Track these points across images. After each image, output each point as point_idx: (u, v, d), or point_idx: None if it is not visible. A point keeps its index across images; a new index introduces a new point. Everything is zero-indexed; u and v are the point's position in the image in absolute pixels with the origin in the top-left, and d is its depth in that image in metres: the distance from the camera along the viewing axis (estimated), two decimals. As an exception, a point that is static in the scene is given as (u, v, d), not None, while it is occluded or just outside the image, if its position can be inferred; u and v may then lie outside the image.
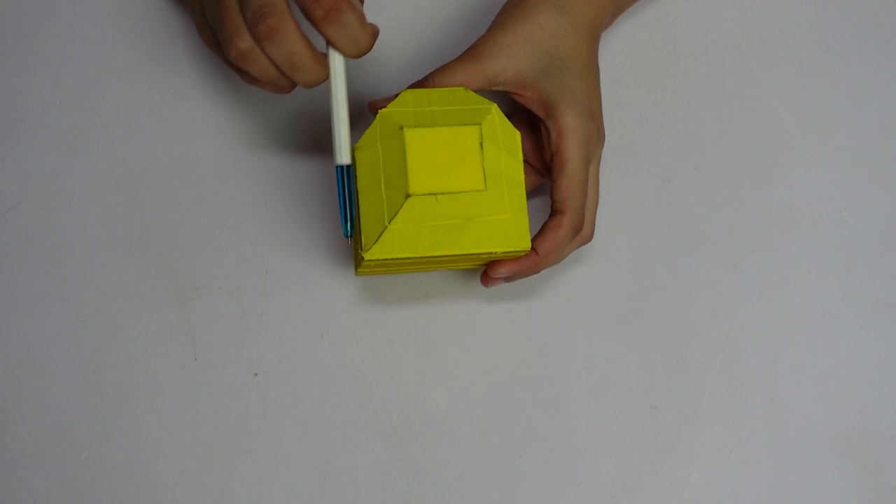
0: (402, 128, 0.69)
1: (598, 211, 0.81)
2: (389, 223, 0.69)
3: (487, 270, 0.74)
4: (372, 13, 0.85)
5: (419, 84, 0.73)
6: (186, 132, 0.83)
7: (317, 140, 0.83)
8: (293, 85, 0.70)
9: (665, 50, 0.85)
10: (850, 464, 0.77)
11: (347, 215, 0.71)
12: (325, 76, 0.68)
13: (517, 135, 0.72)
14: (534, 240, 0.74)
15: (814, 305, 0.80)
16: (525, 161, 0.79)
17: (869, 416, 0.78)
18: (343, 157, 0.69)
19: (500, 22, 0.75)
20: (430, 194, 0.68)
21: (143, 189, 0.82)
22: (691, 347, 0.79)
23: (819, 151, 0.83)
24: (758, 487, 0.77)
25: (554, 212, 0.73)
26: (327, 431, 0.78)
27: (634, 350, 0.79)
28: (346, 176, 0.70)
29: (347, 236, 0.71)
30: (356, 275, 0.78)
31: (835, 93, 0.84)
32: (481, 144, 0.69)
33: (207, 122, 0.83)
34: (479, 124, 0.70)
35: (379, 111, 0.70)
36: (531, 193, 0.81)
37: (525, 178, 0.78)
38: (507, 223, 0.70)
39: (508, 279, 0.75)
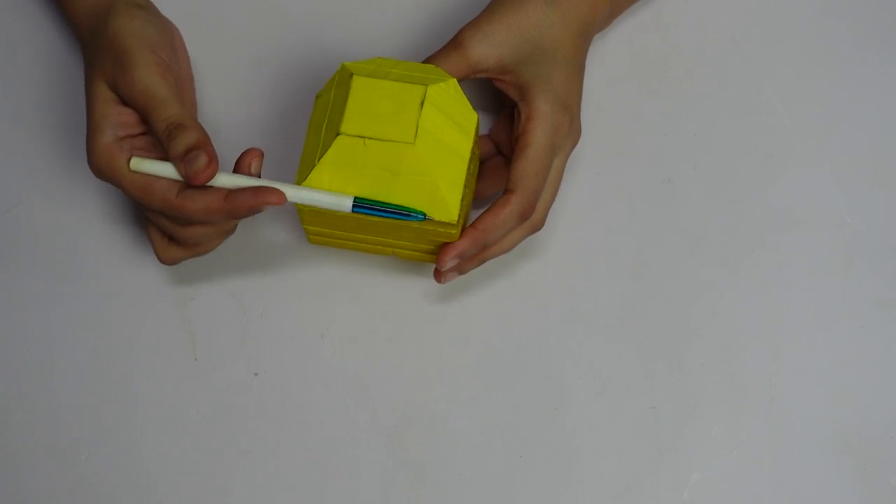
0: (352, 75, 0.71)
1: (597, 210, 0.81)
2: (318, 161, 0.70)
3: (437, 262, 0.73)
4: (373, 13, 0.86)
5: None
6: (186, 132, 0.83)
7: (317, 140, 0.83)
8: (232, 225, 0.74)
9: (665, 50, 0.85)
10: (850, 464, 0.77)
11: (404, 213, 0.70)
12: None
13: (474, 116, 0.72)
14: (477, 216, 0.73)
15: (814, 305, 0.80)
16: (502, 155, 0.79)
17: (869, 416, 0.78)
18: (345, 204, 0.70)
19: (488, 10, 0.75)
20: (358, 136, 0.70)
21: (144, 189, 0.82)
22: (691, 347, 0.79)
23: (819, 151, 0.83)
24: (758, 487, 0.77)
25: (505, 190, 0.73)
26: (327, 431, 0.78)
27: (634, 350, 0.79)
28: (366, 205, 0.70)
29: (420, 219, 0.70)
30: (309, 243, 0.78)
31: (835, 93, 0.84)
32: (422, 103, 0.70)
33: (206, 122, 0.83)
34: (426, 86, 0.70)
35: (342, 63, 0.72)
36: None
37: (498, 172, 0.78)
38: (434, 187, 0.70)
39: (459, 269, 0.75)
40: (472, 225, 0.72)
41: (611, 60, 0.84)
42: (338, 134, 0.70)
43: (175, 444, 0.78)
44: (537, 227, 0.75)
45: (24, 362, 0.79)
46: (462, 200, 0.71)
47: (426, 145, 0.70)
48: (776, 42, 0.85)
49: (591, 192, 0.81)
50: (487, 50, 0.74)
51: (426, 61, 0.75)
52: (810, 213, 0.82)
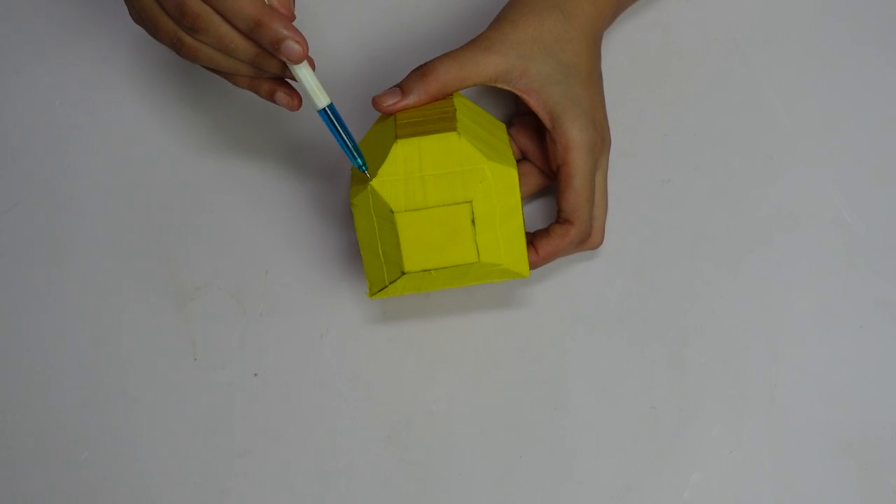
0: (392, 212, 0.68)
1: (598, 211, 0.81)
2: (389, 284, 0.70)
3: None
4: (372, 13, 0.86)
5: (424, 69, 0.71)
6: (186, 132, 0.83)
7: (316, 140, 0.83)
8: (256, 69, 0.69)
9: (665, 50, 0.85)
10: (850, 464, 0.77)
11: (353, 152, 0.69)
12: (255, 51, 0.67)
13: (513, 174, 0.69)
14: (537, 238, 0.74)
15: (814, 306, 0.80)
16: (532, 163, 0.79)
17: (869, 416, 0.78)
18: (320, 101, 0.69)
19: (508, 17, 0.74)
20: (424, 271, 0.69)
21: (143, 189, 0.82)
22: (691, 347, 0.79)
23: (819, 151, 0.83)
24: (758, 487, 0.77)
25: (562, 220, 0.74)
26: (327, 431, 0.78)
27: (634, 350, 0.79)
28: (333, 117, 0.69)
29: (363, 170, 0.69)
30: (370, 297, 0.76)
31: (835, 93, 0.84)
32: (473, 221, 0.69)
33: (207, 123, 0.83)
34: (470, 202, 0.68)
35: (369, 184, 0.68)
36: (538, 193, 0.81)
37: (532, 180, 0.79)
38: (505, 270, 0.71)
39: None
40: (534, 248, 0.74)
41: (611, 60, 0.84)
42: (402, 273, 0.69)
43: (175, 444, 0.78)
44: (596, 245, 0.77)
45: (24, 362, 0.79)
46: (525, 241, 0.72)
47: (489, 249, 0.69)
48: (776, 42, 0.85)
49: (591, 192, 0.81)
50: (515, 61, 0.72)
51: (450, 57, 0.72)
52: (810, 213, 0.82)
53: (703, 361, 0.79)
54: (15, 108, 0.84)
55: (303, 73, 0.68)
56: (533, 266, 0.74)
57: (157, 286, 0.80)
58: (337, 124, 0.69)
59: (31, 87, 0.84)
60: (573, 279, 0.81)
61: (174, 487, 0.77)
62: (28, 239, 0.81)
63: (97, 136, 0.83)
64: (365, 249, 0.71)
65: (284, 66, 0.68)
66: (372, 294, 0.71)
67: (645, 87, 0.84)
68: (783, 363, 0.79)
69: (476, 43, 0.73)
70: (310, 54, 0.68)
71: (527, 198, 0.80)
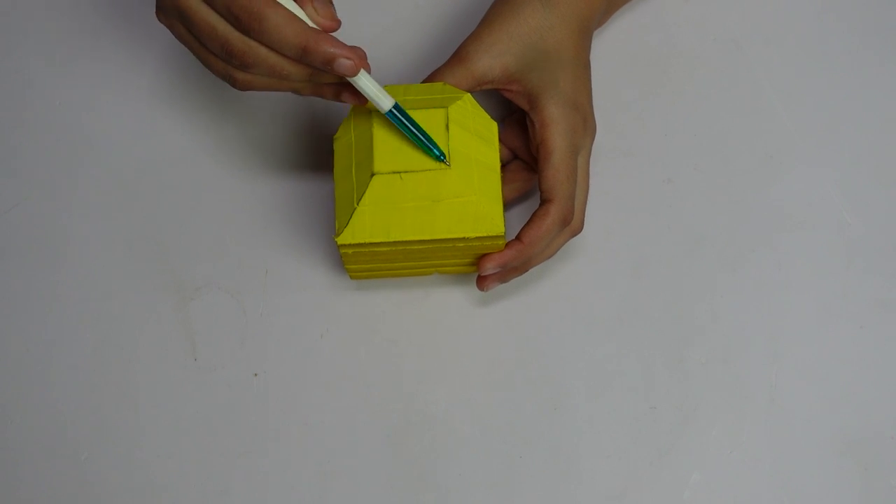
0: (370, 112, 0.71)
1: (597, 210, 0.81)
2: (358, 204, 0.70)
3: (478, 268, 0.74)
4: (372, 12, 0.86)
5: None
6: (186, 132, 0.83)
7: (317, 140, 0.83)
8: (310, 76, 0.69)
9: (665, 50, 0.85)
10: (850, 464, 0.77)
11: (426, 143, 0.70)
12: (309, 71, 0.67)
13: (493, 125, 0.73)
14: (520, 231, 0.74)
15: (814, 306, 0.80)
16: (519, 159, 0.79)
17: (869, 416, 0.78)
18: (384, 104, 0.69)
19: (486, 20, 0.76)
20: (394, 172, 0.70)
21: (143, 189, 0.82)
22: (691, 347, 0.79)
23: (819, 151, 0.83)
24: (758, 487, 0.77)
25: (542, 201, 0.73)
26: (327, 431, 0.78)
27: (634, 350, 0.79)
28: (400, 115, 0.70)
29: (441, 159, 0.70)
30: (350, 279, 0.78)
31: (835, 93, 0.84)
32: (447, 126, 0.70)
33: (207, 122, 0.83)
34: (446, 108, 0.71)
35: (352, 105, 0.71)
36: (528, 193, 0.81)
37: (521, 176, 0.79)
38: (476, 205, 0.70)
39: (502, 278, 0.75)
40: (518, 237, 0.73)
41: (611, 60, 0.84)
42: (373, 174, 0.70)
43: (175, 445, 0.78)
44: (577, 231, 0.76)
45: (24, 362, 0.79)
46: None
47: (460, 166, 0.70)
48: (776, 42, 0.85)
49: (592, 191, 0.81)
50: (491, 61, 0.74)
51: (431, 76, 0.75)
52: (810, 213, 0.82)
53: (703, 361, 0.79)
54: (15, 108, 0.84)
55: (361, 82, 0.68)
56: (523, 256, 0.73)
57: (157, 286, 0.80)
58: (406, 121, 0.70)
59: (31, 87, 0.84)
60: (573, 279, 0.81)
61: (174, 487, 0.77)
62: (28, 239, 0.81)
63: (97, 136, 0.83)
64: (339, 186, 0.71)
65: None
66: (338, 235, 0.71)
67: (645, 87, 0.84)
68: (783, 363, 0.79)
69: (454, 56, 0.75)
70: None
71: (515, 197, 0.80)
